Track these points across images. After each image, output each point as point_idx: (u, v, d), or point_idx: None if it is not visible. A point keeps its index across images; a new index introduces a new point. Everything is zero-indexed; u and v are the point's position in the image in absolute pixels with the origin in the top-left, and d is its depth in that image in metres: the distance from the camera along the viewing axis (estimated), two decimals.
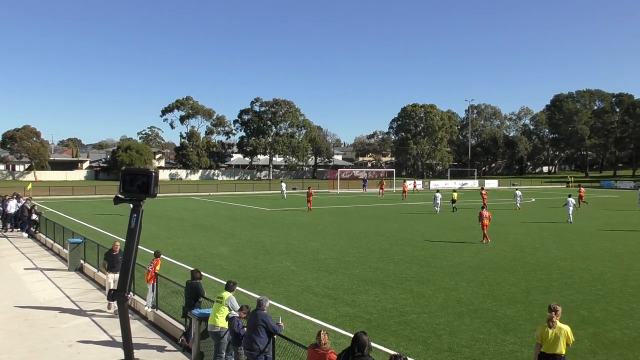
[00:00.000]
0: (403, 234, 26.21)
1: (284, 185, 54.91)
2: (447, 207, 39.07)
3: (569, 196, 32.60)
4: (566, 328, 7.65)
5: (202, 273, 11.46)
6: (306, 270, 17.36)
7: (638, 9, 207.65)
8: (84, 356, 10.34)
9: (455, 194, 38.58)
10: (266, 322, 8.27)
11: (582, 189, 42.43)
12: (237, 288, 10.60)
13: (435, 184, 73.70)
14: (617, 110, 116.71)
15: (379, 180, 64.61)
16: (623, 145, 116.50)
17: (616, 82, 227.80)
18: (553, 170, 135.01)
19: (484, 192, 40.88)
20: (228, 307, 9.31)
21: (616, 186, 77.60)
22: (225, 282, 10.53)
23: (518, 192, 40.81)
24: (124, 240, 2.78)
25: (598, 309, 12.91)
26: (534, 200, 50.92)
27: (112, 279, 13.57)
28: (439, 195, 36.71)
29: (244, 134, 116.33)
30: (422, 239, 24.25)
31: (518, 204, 39.96)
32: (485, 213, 23.81)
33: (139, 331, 11.64)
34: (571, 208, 31.20)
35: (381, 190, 56.36)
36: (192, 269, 12.04)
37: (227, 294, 9.54)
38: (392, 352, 6.69)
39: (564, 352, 7.56)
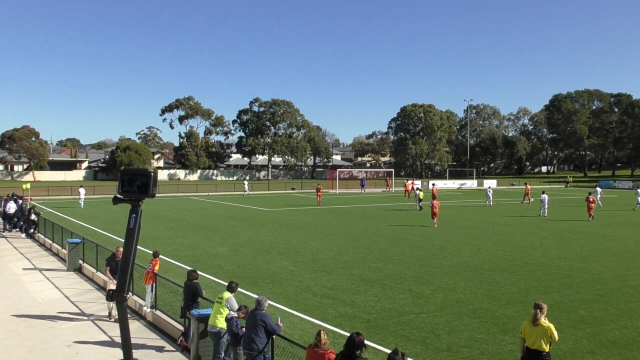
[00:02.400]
0: (402, 233, 26.21)
1: (246, 183, 60.11)
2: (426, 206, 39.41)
3: (543, 192, 36.19)
4: (550, 326, 7.73)
5: (201, 273, 11.43)
6: (305, 270, 17.36)
7: (638, 9, 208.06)
8: (83, 356, 10.33)
9: (421, 193, 41.27)
10: (265, 322, 8.26)
11: (528, 186, 47.29)
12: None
13: (433, 184, 73.69)
14: (616, 110, 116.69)
15: (407, 182, 63.93)
16: (622, 145, 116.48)
17: (615, 82, 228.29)
18: (552, 170, 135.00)
19: (434, 188, 46.23)
20: (227, 307, 9.29)
21: (615, 186, 77.60)
22: (224, 282, 10.52)
23: (490, 191, 44.76)
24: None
25: (597, 308, 12.93)
26: (532, 200, 50.88)
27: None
28: (419, 192, 41.57)
29: (242, 134, 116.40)
30: (421, 239, 24.27)
31: (490, 202, 43.12)
32: (435, 203, 29.66)
33: (138, 331, 11.64)
34: (546, 204, 35.00)
35: (406, 189, 58.44)
36: (190, 269, 12.02)
37: (227, 294, 9.53)
38: (388, 351, 6.64)
39: (546, 349, 7.66)
